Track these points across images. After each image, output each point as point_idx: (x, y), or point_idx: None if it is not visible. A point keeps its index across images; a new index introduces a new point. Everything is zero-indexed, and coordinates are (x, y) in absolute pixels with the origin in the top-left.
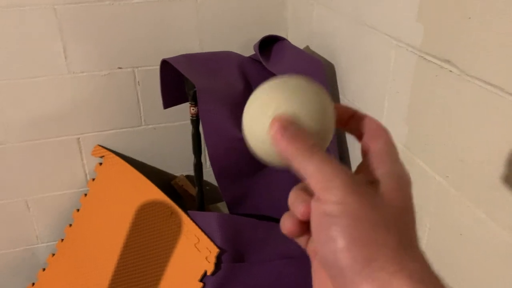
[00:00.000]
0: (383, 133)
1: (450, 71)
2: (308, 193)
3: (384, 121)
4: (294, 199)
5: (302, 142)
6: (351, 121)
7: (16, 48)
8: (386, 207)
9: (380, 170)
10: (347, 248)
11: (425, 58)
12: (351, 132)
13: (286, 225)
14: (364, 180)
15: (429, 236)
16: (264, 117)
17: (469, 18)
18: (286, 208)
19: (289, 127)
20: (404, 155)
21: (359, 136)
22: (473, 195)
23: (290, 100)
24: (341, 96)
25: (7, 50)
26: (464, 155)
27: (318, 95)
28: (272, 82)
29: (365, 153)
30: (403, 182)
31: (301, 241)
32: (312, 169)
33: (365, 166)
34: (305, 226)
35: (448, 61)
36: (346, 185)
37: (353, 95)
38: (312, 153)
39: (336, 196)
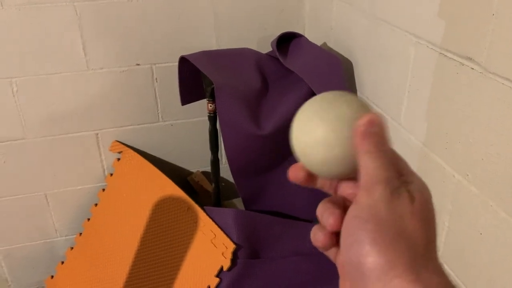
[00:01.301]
0: None
1: (472, 68)
2: (337, 206)
3: (403, 119)
4: (323, 211)
5: (377, 142)
6: None
7: (36, 45)
8: (413, 218)
9: (407, 177)
10: (370, 253)
11: (445, 55)
12: None
13: (318, 237)
14: (404, 190)
15: (447, 235)
16: (352, 111)
17: (493, 14)
18: (302, 206)
19: (375, 124)
20: (422, 153)
21: None
22: (494, 194)
23: (364, 109)
24: (358, 93)
25: (27, 47)
26: (485, 153)
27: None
28: (328, 93)
29: None
30: (427, 194)
31: (330, 253)
32: (369, 169)
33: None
34: (335, 239)
35: (469, 59)
36: (384, 193)
37: (371, 93)
38: (379, 156)
39: (371, 200)
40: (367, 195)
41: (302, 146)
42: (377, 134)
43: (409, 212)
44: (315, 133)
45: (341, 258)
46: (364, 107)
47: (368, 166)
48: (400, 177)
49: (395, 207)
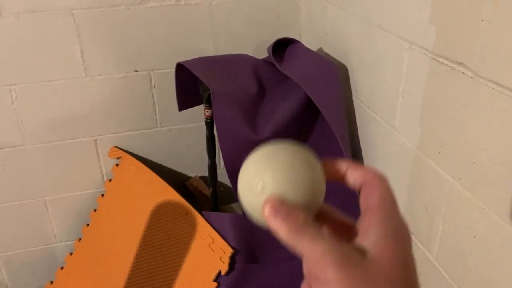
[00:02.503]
0: (378, 185)
1: (463, 73)
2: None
3: (397, 124)
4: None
5: (292, 221)
6: (348, 175)
7: (34, 52)
8: (381, 276)
9: (374, 230)
10: None
11: (437, 61)
12: (351, 186)
13: None
14: (357, 250)
15: (441, 239)
16: (255, 194)
17: (482, 20)
18: None
19: (280, 208)
20: (417, 157)
21: (359, 190)
22: (486, 197)
23: (278, 178)
24: (354, 98)
25: (26, 54)
26: (477, 157)
27: (305, 164)
28: (259, 156)
29: (364, 210)
30: (399, 240)
31: None
32: (304, 250)
33: (362, 225)
34: None
35: (461, 64)
36: (337, 261)
37: (366, 98)
38: (302, 233)
39: (329, 274)
40: (321, 273)
41: (238, 189)
42: (287, 214)
43: (376, 270)
44: (244, 178)
45: None
46: (304, 159)
47: (300, 250)
48: (343, 239)
49: (358, 271)
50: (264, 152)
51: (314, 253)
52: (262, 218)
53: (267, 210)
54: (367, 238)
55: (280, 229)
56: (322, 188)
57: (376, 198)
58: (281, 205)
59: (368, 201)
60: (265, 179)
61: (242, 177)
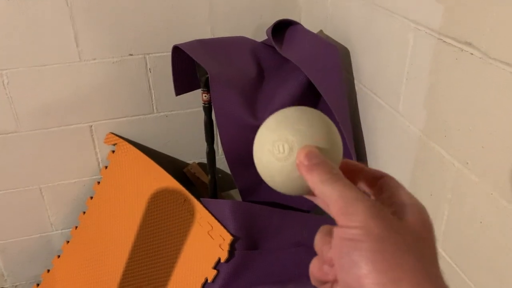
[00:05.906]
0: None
1: (471, 54)
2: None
3: (401, 107)
4: (322, 244)
5: (325, 169)
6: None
7: (27, 36)
8: (408, 231)
9: (398, 200)
10: (371, 273)
11: (444, 41)
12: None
13: (315, 274)
14: (385, 207)
15: (447, 224)
16: (280, 158)
17: None
18: (300, 196)
19: (314, 156)
20: (421, 141)
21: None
22: (494, 182)
23: (302, 138)
24: (356, 82)
25: (19, 38)
26: (486, 141)
27: (328, 123)
28: (282, 115)
29: (378, 187)
30: (423, 213)
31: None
32: (334, 195)
33: (381, 198)
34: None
35: (469, 44)
36: (368, 209)
37: (368, 81)
38: (335, 180)
39: (358, 220)
40: (349, 218)
41: (256, 160)
42: (322, 163)
43: (403, 226)
44: (264, 145)
45: (339, 283)
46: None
47: (331, 194)
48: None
49: (386, 221)
50: (286, 113)
51: (345, 200)
52: (291, 181)
53: (302, 156)
54: (393, 206)
55: (313, 175)
56: (341, 143)
57: (393, 180)
58: (316, 153)
59: (384, 180)
60: (289, 141)
61: (261, 145)
